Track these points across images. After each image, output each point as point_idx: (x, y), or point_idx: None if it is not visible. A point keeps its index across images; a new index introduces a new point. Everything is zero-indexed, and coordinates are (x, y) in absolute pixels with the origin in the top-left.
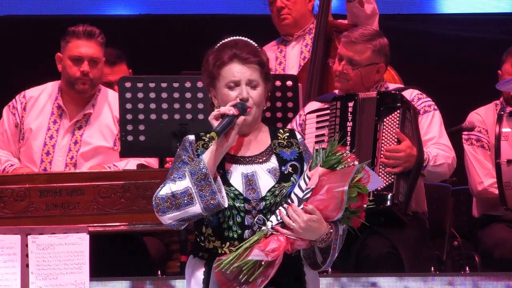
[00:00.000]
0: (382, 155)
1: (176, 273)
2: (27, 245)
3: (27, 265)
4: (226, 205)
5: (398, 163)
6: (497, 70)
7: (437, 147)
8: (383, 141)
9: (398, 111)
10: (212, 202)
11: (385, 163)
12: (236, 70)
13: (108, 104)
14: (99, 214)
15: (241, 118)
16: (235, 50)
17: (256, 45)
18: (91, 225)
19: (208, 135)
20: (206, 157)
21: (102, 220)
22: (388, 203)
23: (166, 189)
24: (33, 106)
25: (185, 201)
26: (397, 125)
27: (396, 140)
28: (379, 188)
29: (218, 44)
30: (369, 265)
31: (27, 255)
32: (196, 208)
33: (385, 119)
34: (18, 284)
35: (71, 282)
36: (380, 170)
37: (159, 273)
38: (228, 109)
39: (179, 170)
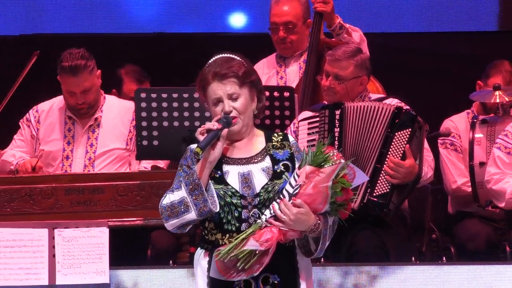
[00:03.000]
0: (386, 164)
1: (186, 263)
2: (53, 238)
3: (54, 256)
4: (217, 210)
5: (397, 176)
6: (470, 82)
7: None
8: (390, 152)
9: (410, 129)
10: (204, 208)
11: (387, 171)
12: (216, 88)
13: (115, 108)
14: (117, 210)
15: (225, 130)
16: (214, 69)
17: (236, 58)
18: (110, 220)
19: (194, 151)
20: (198, 168)
21: (120, 215)
22: (378, 211)
23: (167, 199)
24: (46, 118)
25: (182, 210)
26: (405, 141)
27: (401, 154)
28: (374, 194)
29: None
30: (359, 257)
31: (53, 247)
32: (191, 215)
33: (396, 133)
34: (46, 272)
35: (93, 271)
36: (381, 178)
37: (170, 262)
38: (212, 125)
39: (177, 181)
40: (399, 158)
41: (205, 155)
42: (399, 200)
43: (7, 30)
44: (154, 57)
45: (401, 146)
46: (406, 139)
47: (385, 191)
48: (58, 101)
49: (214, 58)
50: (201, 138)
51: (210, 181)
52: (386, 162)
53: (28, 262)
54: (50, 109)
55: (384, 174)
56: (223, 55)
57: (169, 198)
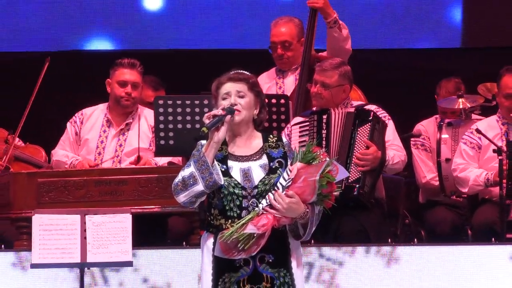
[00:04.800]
0: (354, 157)
1: (197, 244)
2: (85, 223)
3: (85, 238)
4: (222, 182)
5: (366, 164)
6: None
7: (392, 148)
8: (356, 145)
9: (369, 123)
10: (210, 180)
11: (357, 163)
12: (228, 86)
13: (144, 117)
14: (139, 200)
15: (228, 117)
16: (229, 75)
17: (248, 73)
18: (133, 208)
19: (201, 130)
20: (205, 148)
21: (141, 204)
22: (355, 192)
23: (178, 177)
24: (87, 120)
25: (191, 182)
26: (367, 134)
27: (365, 145)
28: (349, 181)
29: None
30: (344, 239)
31: (85, 230)
32: (199, 187)
33: (359, 129)
34: (78, 252)
35: (118, 250)
36: (352, 167)
37: (184, 244)
38: (217, 111)
39: (188, 161)
40: (364, 148)
41: (210, 136)
42: (371, 183)
43: (34, 46)
44: (171, 69)
45: (364, 138)
46: (368, 132)
47: (357, 176)
48: (100, 107)
49: (230, 71)
50: (207, 121)
51: (215, 161)
52: (354, 154)
53: (63, 243)
54: (92, 113)
55: (355, 164)
56: (237, 70)
57: (180, 175)
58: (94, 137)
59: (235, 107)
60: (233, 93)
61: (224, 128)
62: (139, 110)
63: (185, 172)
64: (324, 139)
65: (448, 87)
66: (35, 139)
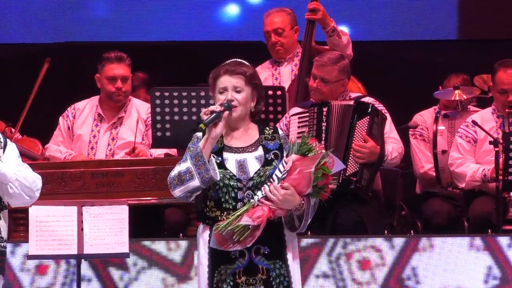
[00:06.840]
0: (352, 148)
1: (194, 235)
2: (82, 214)
3: (82, 229)
4: (218, 178)
5: (362, 156)
6: (435, 85)
7: (389, 141)
8: (354, 139)
9: (368, 116)
10: (206, 176)
11: (353, 154)
12: (225, 80)
13: (136, 109)
14: (136, 191)
15: (226, 112)
16: (227, 66)
17: (246, 63)
18: (129, 199)
19: (199, 126)
20: (202, 143)
21: (138, 195)
22: (352, 186)
23: (175, 171)
24: (80, 114)
25: (187, 177)
26: (366, 127)
27: (363, 138)
28: (347, 174)
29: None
30: (341, 230)
31: (82, 222)
32: (195, 182)
33: (357, 122)
34: (75, 243)
35: (115, 242)
36: (350, 160)
37: (181, 235)
38: (215, 107)
39: (184, 155)
40: (362, 141)
41: (208, 131)
42: (369, 177)
43: (28, 38)
44: (167, 60)
45: (363, 131)
46: (367, 125)
47: (355, 170)
48: (92, 101)
49: (228, 61)
50: (205, 117)
51: (212, 155)
52: (352, 146)
53: (60, 234)
54: (84, 107)
55: (352, 156)
56: (236, 59)
57: (176, 170)
58: (87, 132)
59: (232, 103)
60: (229, 88)
61: (221, 123)
62: (131, 102)
63: (181, 167)
64: (323, 132)
65: (453, 82)
66: (32, 132)
